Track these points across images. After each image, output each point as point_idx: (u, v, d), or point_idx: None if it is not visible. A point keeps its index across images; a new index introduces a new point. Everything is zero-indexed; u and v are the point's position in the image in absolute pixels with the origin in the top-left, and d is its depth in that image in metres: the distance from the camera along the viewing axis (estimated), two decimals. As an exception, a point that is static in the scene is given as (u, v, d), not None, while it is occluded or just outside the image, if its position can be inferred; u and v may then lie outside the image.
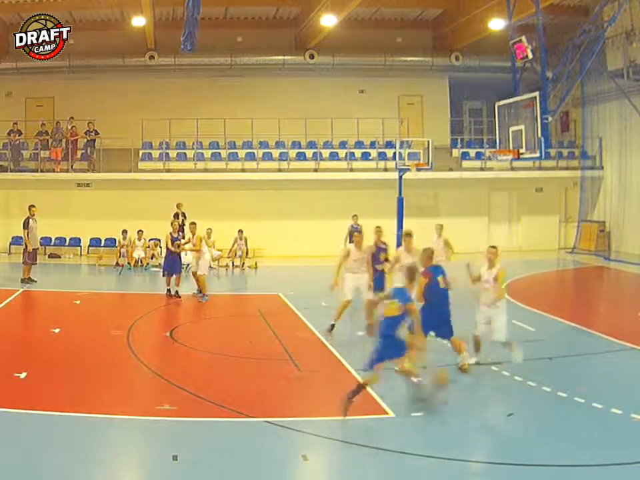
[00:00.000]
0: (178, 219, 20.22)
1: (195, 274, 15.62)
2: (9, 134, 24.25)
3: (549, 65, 21.20)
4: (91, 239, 24.02)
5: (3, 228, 23.69)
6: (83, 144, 24.64)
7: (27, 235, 17.72)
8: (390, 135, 25.68)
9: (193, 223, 15.74)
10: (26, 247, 17.82)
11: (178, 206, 21.00)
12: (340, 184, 24.29)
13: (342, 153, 25.46)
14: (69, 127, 24.43)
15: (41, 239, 24.00)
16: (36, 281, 17.52)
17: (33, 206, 18.11)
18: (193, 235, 15.55)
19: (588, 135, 25.94)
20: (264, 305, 14.63)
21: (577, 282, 21.08)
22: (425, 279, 9.22)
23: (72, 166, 24.34)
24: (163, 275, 16.08)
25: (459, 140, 26.83)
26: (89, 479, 6.34)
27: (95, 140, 24.30)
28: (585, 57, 21.61)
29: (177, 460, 6.61)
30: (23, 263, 17.91)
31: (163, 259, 16.69)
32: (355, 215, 20.41)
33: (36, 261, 18.22)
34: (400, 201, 23.43)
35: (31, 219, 17.83)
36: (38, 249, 18.74)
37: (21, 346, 11.08)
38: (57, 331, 11.99)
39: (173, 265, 15.80)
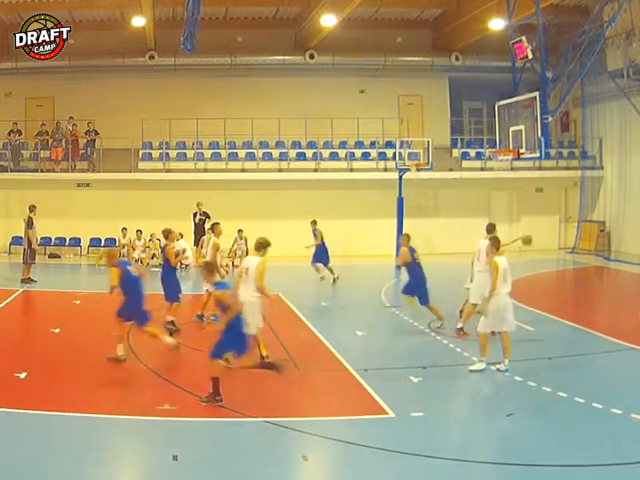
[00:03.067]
0: (196, 218, 20.02)
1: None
2: (9, 134, 24.25)
3: (549, 64, 21.23)
4: (91, 239, 24.04)
5: (3, 228, 23.70)
6: (83, 144, 24.66)
7: (32, 234, 17.71)
8: (390, 135, 25.69)
9: (217, 224, 13.35)
10: (30, 245, 17.79)
11: (198, 205, 20.87)
12: (340, 184, 24.29)
13: (342, 153, 25.47)
14: (69, 127, 24.43)
15: (41, 238, 24.08)
16: (36, 281, 17.52)
17: (34, 206, 18.09)
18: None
19: (588, 135, 25.94)
20: (264, 304, 14.59)
21: (577, 282, 21.07)
22: None
23: (74, 166, 24.34)
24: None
25: (459, 140, 26.83)
26: (89, 479, 6.34)
27: (94, 140, 24.31)
28: (585, 57, 21.65)
29: (177, 460, 6.61)
30: (23, 262, 17.87)
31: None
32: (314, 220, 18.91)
33: (34, 260, 18.22)
34: (400, 201, 23.44)
35: (32, 220, 17.85)
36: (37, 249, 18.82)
37: (21, 346, 11.08)
38: (57, 331, 11.99)
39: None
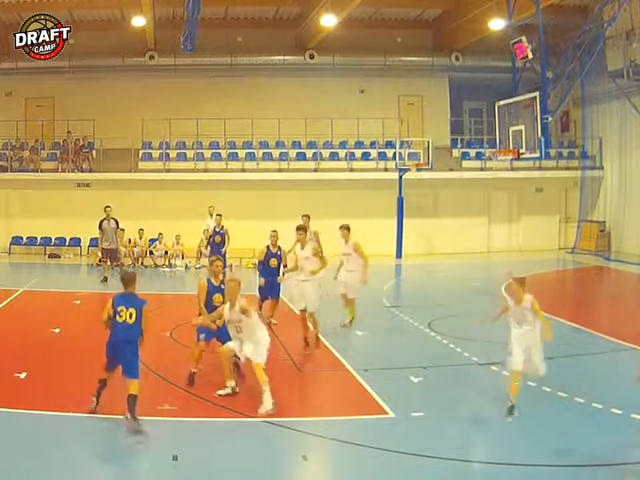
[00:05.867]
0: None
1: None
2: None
3: (548, 65, 21.24)
4: (91, 239, 24.00)
5: (3, 228, 23.69)
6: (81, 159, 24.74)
7: (100, 236, 18.03)
8: (390, 135, 25.71)
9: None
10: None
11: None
12: (340, 184, 24.30)
13: (342, 153, 25.49)
14: (72, 142, 24.44)
15: (41, 238, 24.11)
16: (106, 280, 17.54)
17: (109, 206, 18.26)
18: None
19: (588, 135, 25.95)
20: (264, 305, 14.60)
21: (577, 282, 21.07)
22: None
23: (80, 167, 24.34)
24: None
25: (459, 140, 26.86)
26: (89, 479, 6.34)
27: (89, 155, 24.45)
28: (585, 56, 21.64)
29: (177, 460, 6.61)
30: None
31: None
32: (219, 215, 17.96)
33: (116, 260, 18.24)
34: (400, 201, 23.47)
35: (105, 220, 18.02)
36: (116, 249, 18.51)
37: (21, 346, 11.07)
38: (57, 331, 12.00)
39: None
